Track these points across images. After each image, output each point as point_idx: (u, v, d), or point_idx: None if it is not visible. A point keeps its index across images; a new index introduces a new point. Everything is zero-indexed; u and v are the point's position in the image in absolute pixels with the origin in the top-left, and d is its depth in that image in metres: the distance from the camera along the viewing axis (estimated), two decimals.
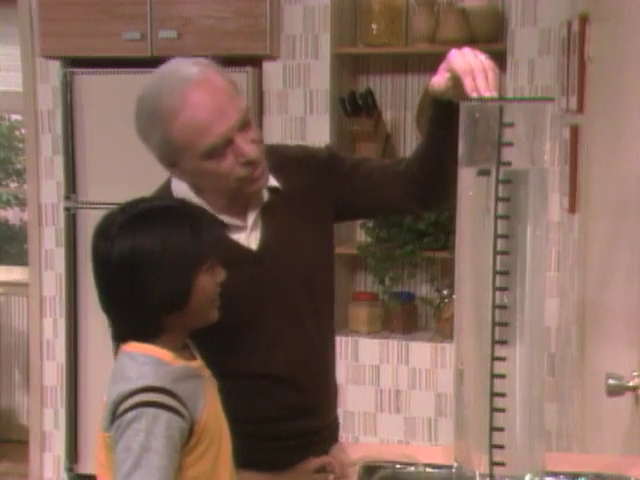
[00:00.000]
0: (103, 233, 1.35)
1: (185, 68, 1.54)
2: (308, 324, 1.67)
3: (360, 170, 1.73)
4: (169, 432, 1.25)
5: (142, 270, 1.31)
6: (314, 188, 1.69)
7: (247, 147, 1.53)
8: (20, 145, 4.91)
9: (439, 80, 1.52)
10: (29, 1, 3.53)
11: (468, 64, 1.46)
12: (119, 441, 1.26)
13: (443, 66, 1.52)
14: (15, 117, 4.85)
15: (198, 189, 1.61)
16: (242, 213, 1.63)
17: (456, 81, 1.47)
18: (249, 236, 1.63)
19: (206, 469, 1.34)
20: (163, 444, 1.24)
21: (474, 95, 1.42)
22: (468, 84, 1.44)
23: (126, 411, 1.26)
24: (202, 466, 1.33)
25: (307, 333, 1.67)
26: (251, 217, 1.64)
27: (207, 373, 1.40)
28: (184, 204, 1.42)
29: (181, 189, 1.62)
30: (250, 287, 1.61)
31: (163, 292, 1.31)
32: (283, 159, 1.70)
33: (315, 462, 1.60)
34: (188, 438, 1.30)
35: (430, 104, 1.61)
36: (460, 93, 1.46)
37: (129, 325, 1.35)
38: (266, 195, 1.64)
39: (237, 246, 1.62)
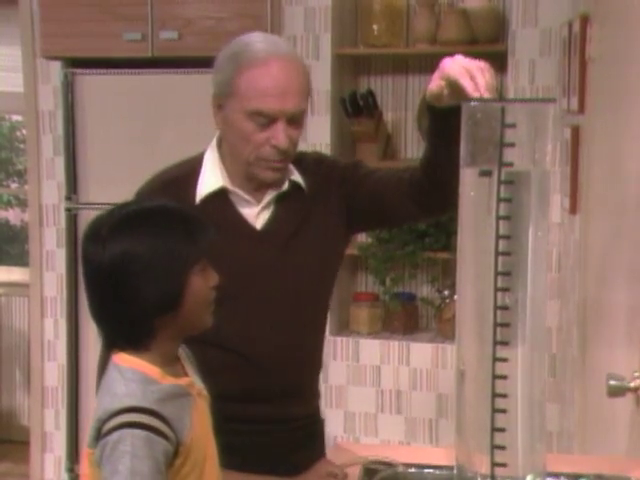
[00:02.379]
0: (93, 236, 1.32)
1: (285, 44, 1.71)
2: (287, 314, 1.70)
3: (371, 178, 1.77)
4: (154, 454, 1.23)
5: (133, 272, 1.28)
6: (329, 196, 1.75)
7: (283, 136, 1.61)
8: (21, 146, 4.91)
9: (435, 86, 1.55)
10: (30, 2, 3.53)
11: (463, 67, 1.48)
12: (106, 464, 1.24)
13: (437, 75, 1.54)
14: (16, 118, 4.85)
15: (224, 157, 1.69)
16: (258, 192, 1.70)
17: (453, 88, 1.49)
18: (258, 215, 1.70)
19: None
20: (149, 466, 1.23)
21: (476, 95, 1.42)
22: (468, 85, 1.45)
23: (111, 431, 1.24)
24: None
25: (284, 321, 1.70)
26: (267, 198, 1.70)
27: (196, 389, 1.37)
28: (176, 205, 1.39)
29: (210, 158, 1.71)
30: (242, 262, 1.66)
31: (154, 293, 1.28)
32: (310, 164, 1.77)
33: (327, 467, 1.59)
34: (173, 459, 1.28)
35: (427, 112, 1.64)
36: (457, 100, 1.47)
37: (120, 330, 1.32)
38: (287, 185, 1.71)
39: (241, 220, 1.68)
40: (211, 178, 1.69)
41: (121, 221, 1.32)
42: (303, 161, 1.76)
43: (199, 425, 1.34)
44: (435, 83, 1.55)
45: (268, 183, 1.68)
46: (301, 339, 1.75)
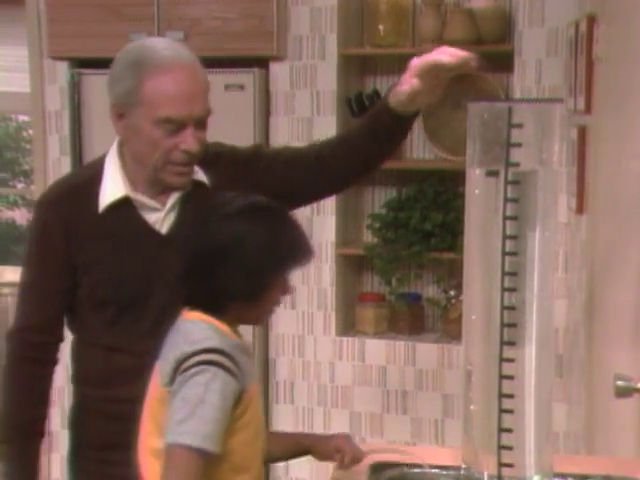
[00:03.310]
0: (220, 210, 1.46)
1: (183, 48, 1.67)
2: None
3: (277, 160, 1.79)
4: (225, 391, 1.36)
5: (237, 257, 1.41)
6: (234, 187, 1.71)
7: (193, 140, 1.62)
8: (27, 146, 4.93)
9: (407, 86, 1.59)
10: (37, 2, 3.53)
11: (434, 52, 1.57)
12: (177, 393, 1.36)
13: (407, 76, 1.59)
14: (22, 118, 4.87)
15: (125, 164, 1.69)
16: (161, 196, 1.71)
17: (433, 71, 1.56)
18: (163, 219, 1.71)
19: (248, 439, 1.44)
20: (218, 399, 1.35)
21: (454, 60, 1.54)
22: (446, 58, 1.54)
23: (189, 367, 1.36)
24: (246, 435, 1.43)
25: None
26: (170, 201, 1.71)
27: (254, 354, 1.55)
28: (294, 219, 1.51)
29: (111, 164, 1.71)
30: (149, 268, 1.69)
31: (242, 283, 1.42)
32: (211, 156, 1.76)
33: (337, 442, 1.62)
34: (236, 405, 1.40)
35: (383, 113, 1.66)
36: (423, 101, 1.58)
37: (201, 296, 1.45)
38: (190, 185, 1.72)
39: (146, 226, 1.70)
40: (113, 187, 1.69)
41: (251, 207, 1.46)
42: (205, 157, 1.74)
43: (256, 386, 1.48)
44: (407, 82, 1.58)
45: (175, 188, 1.69)
46: None
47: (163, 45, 1.65)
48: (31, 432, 1.72)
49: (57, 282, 1.70)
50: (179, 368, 1.37)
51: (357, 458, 1.60)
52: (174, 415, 1.35)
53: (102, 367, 1.73)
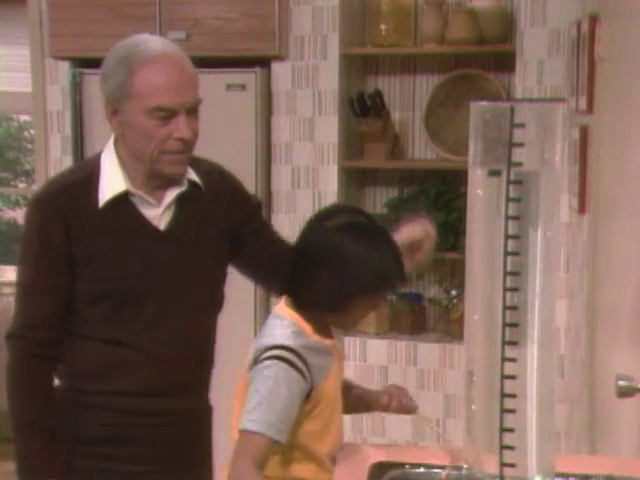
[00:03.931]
0: (323, 221, 1.57)
1: (170, 42, 1.72)
2: (190, 312, 1.77)
3: (260, 241, 1.88)
4: (291, 386, 1.50)
5: (331, 262, 1.53)
6: (224, 206, 1.82)
7: (186, 127, 1.65)
8: (29, 146, 4.93)
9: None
10: (39, 2, 3.54)
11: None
12: (252, 383, 1.51)
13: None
14: (24, 118, 4.87)
15: (122, 160, 1.72)
16: (159, 193, 1.74)
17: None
18: (161, 216, 1.74)
19: (317, 428, 1.58)
20: (285, 393, 1.49)
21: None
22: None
23: (263, 360, 1.51)
24: (314, 425, 1.57)
25: (187, 319, 1.76)
26: (167, 198, 1.74)
27: (338, 351, 1.62)
28: (396, 248, 1.60)
29: (108, 161, 1.74)
30: (148, 263, 1.72)
31: (327, 296, 1.54)
32: (216, 172, 1.84)
33: (388, 388, 1.74)
34: (306, 401, 1.53)
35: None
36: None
37: (294, 289, 1.58)
38: (186, 185, 1.75)
39: (145, 222, 1.73)
40: (113, 182, 1.72)
41: (355, 224, 1.57)
42: (199, 164, 1.79)
43: (333, 380, 1.60)
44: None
45: (172, 178, 1.72)
46: (201, 335, 1.83)
47: (151, 40, 1.70)
48: (43, 428, 1.72)
49: (59, 278, 1.71)
50: (257, 359, 1.52)
51: (406, 407, 1.70)
52: (247, 404, 1.50)
53: (101, 360, 1.73)
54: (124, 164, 1.72)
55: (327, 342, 1.58)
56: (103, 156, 1.76)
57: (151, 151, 1.66)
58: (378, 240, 1.56)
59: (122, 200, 1.71)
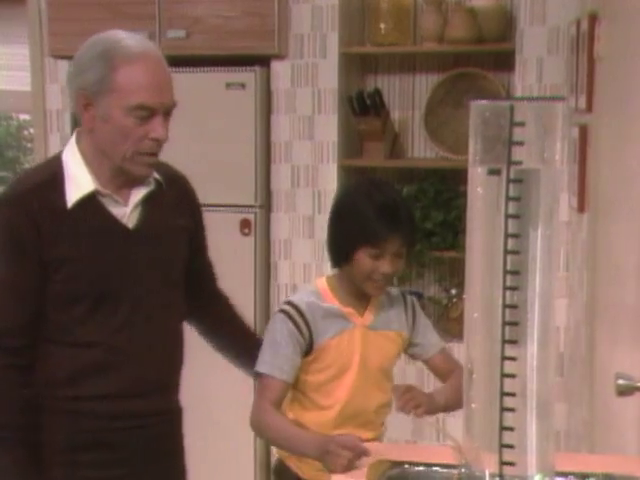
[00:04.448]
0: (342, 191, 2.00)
1: (145, 39, 1.72)
2: (160, 310, 1.77)
3: (205, 254, 1.96)
4: (291, 336, 1.81)
5: (334, 216, 1.84)
6: (190, 216, 1.86)
7: (162, 129, 1.67)
8: (28, 145, 4.93)
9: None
10: (38, 1, 3.54)
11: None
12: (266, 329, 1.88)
13: None
14: (24, 117, 4.86)
15: (87, 158, 1.70)
16: (124, 191, 1.73)
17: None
18: (129, 214, 1.73)
19: (321, 381, 1.84)
20: (286, 341, 1.80)
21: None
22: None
23: (275, 314, 1.88)
24: (318, 377, 1.84)
25: (159, 318, 1.76)
26: (135, 197, 1.73)
27: (361, 321, 1.86)
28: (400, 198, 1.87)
29: (72, 159, 1.71)
30: (120, 262, 1.71)
31: (334, 242, 1.84)
32: (178, 178, 1.87)
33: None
34: (306, 353, 1.82)
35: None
36: None
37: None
38: (153, 184, 1.76)
39: (114, 221, 1.71)
40: (80, 181, 1.69)
41: (367, 182, 1.90)
42: (161, 166, 1.79)
43: (346, 343, 1.84)
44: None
45: (139, 179, 1.72)
46: (173, 334, 1.83)
47: (130, 37, 1.68)
48: (23, 443, 1.65)
49: (33, 280, 1.66)
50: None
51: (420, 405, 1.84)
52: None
53: (71, 365, 1.69)
54: (88, 162, 1.70)
55: (346, 310, 1.83)
56: (65, 155, 1.72)
57: (125, 149, 1.65)
58: (373, 193, 1.74)
59: (90, 200, 1.69)
